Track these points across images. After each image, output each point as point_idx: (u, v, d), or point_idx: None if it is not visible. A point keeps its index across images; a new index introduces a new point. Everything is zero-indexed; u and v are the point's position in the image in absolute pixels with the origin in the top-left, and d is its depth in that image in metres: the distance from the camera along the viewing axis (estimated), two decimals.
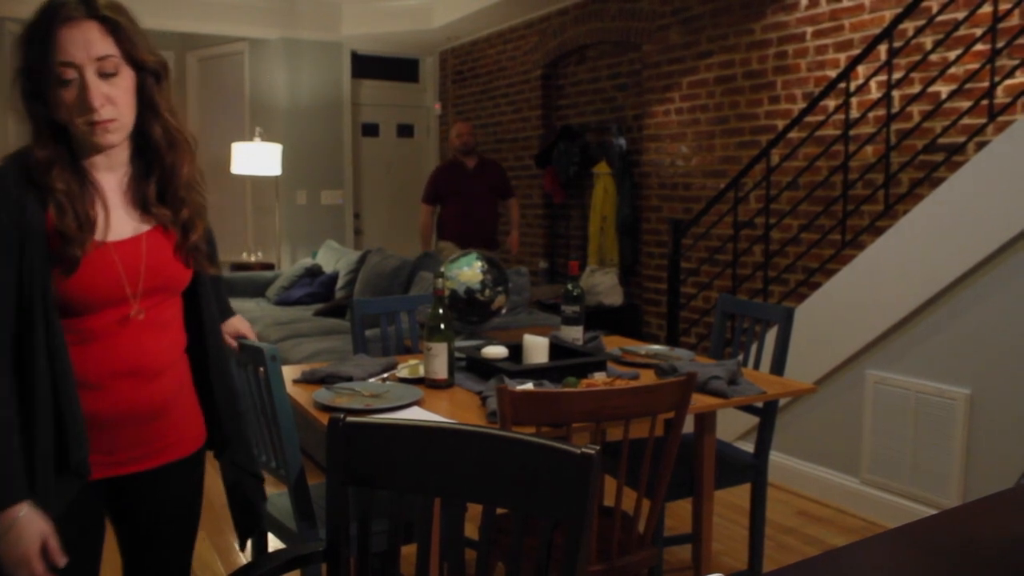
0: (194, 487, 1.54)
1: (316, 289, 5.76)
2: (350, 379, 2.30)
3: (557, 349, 2.46)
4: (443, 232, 5.72)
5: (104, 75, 1.28)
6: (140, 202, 1.39)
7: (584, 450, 1.13)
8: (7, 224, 1.25)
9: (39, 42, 1.26)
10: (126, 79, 1.31)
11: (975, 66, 3.44)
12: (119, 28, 1.30)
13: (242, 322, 1.81)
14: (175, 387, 1.45)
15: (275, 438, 2.03)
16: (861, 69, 3.92)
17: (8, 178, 1.28)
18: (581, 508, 1.12)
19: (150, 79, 1.35)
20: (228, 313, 1.76)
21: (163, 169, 1.39)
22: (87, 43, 1.26)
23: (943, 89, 3.65)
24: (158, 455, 1.43)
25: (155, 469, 1.43)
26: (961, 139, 3.53)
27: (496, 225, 5.78)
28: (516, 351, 2.44)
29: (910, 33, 3.76)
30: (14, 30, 6.57)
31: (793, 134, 4.20)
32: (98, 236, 1.33)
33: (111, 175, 1.38)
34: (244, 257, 7.22)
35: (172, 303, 1.45)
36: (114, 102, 1.29)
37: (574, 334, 2.65)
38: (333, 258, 6.04)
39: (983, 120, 3.39)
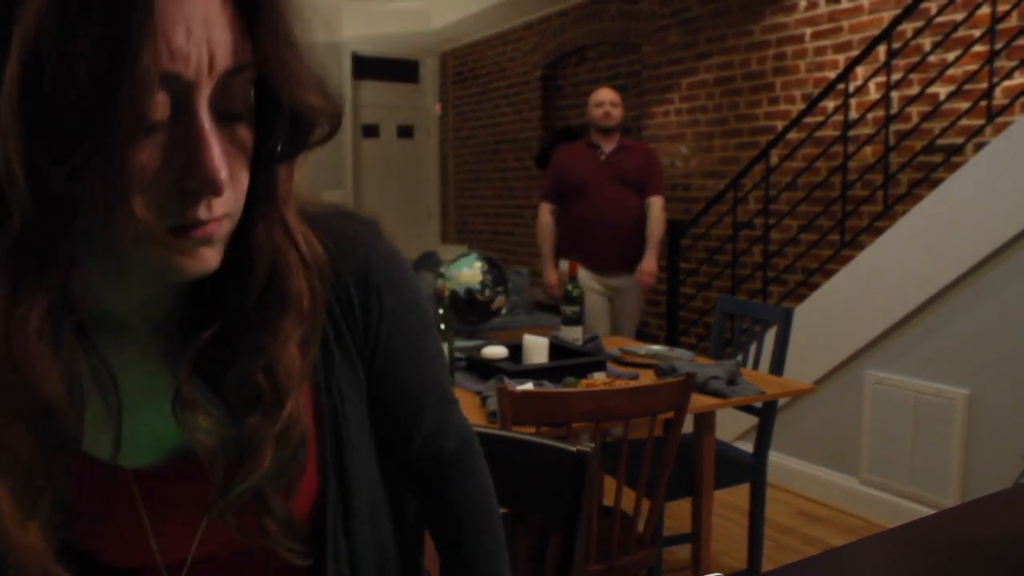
0: None
1: None
2: None
3: (557, 349, 2.47)
4: (561, 250, 4.07)
5: (226, 116, 0.57)
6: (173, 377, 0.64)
7: (580, 448, 1.13)
8: None
9: (89, 13, 0.48)
10: (250, 133, 0.59)
11: (974, 67, 3.45)
12: (264, 4, 0.56)
13: None
14: None
15: None
16: (860, 70, 3.92)
17: None
18: (577, 506, 1.12)
19: (289, 135, 0.61)
20: None
21: (248, 324, 0.62)
22: (208, 25, 0.53)
23: (942, 90, 3.66)
24: None
25: None
26: (960, 140, 3.54)
27: (638, 240, 3.96)
28: (516, 351, 2.44)
29: (909, 34, 3.77)
30: None
31: (792, 135, 4.21)
32: (100, 454, 0.64)
33: (146, 331, 0.65)
34: None
35: None
36: (236, 180, 0.58)
37: (574, 334, 2.65)
38: None
39: (982, 121, 3.40)
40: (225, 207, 0.57)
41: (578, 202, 3.96)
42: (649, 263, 3.91)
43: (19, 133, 0.49)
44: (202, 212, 0.56)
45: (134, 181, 0.52)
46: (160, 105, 0.52)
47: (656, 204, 3.96)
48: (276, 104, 0.59)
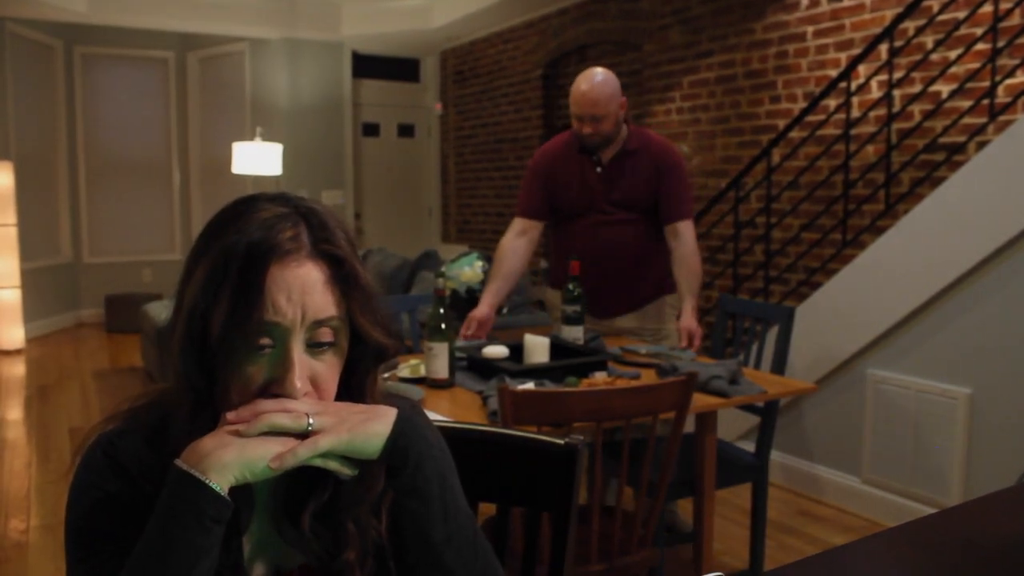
0: None
1: None
2: None
3: (558, 349, 2.46)
4: (554, 275, 3.04)
5: (314, 345, 0.83)
6: (288, 524, 0.89)
7: (569, 441, 1.13)
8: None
9: (227, 283, 0.80)
10: (339, 355, 0.86)
11: (976, 65, 3.44)
12: (351, 277, 0.85)
13: None
14: None
15: None
16: (862, 68, 3.91)
17: (106, 479, 0.84)
18: (569, 498, 1.12)
19: (367, 361, 0.89)
20: None
21: (336, 488, 0.88)
22: (304, 291, 0.81)
23: (944, 88, 3.65)
24: None
25: None
26: (962, 139, 3.53)
27: (658, 278, 2.92)
28: (517, 351, 2.44)
29: (911, 32, 3.76)
30: (15, 30, 6.57)
31: (794, 133, 4.20)
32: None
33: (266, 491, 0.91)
34: None
35: None
36: (320, 388, 0.84)
37: (575, 334, 2.65)
38: None
39: (984, 119, 3.39)
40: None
41: (567, 233, 2.91)
42: (689, 319, 2.72)
43: (182, 352, 0.81)
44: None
45: (247, 384, 0.81)
46: (266, 340, 0.81)
47: (686, 232, 2.81)
48: (360, 337, 0.87)
